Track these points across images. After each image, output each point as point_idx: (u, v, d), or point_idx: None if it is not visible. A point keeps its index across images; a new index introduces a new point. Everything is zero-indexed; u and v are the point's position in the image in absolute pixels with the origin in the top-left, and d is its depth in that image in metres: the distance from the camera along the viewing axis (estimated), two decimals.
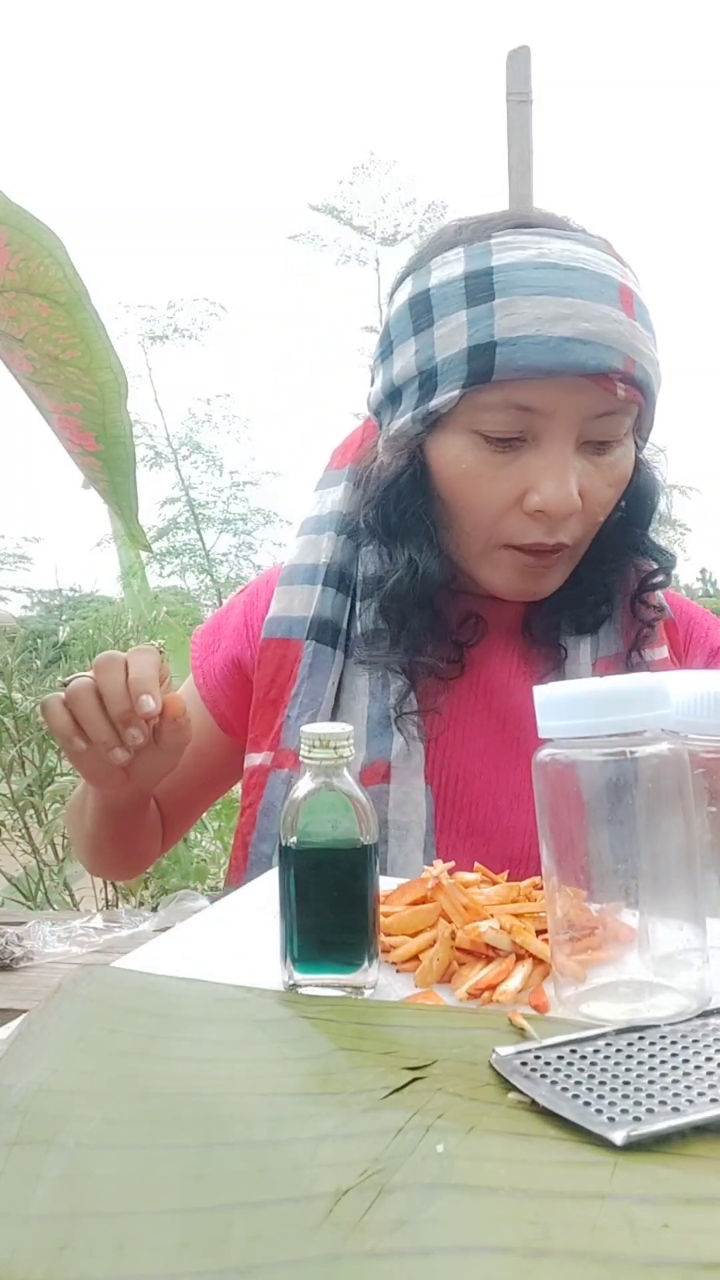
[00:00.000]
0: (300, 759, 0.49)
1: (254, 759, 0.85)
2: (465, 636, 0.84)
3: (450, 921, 0.54)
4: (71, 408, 0.60)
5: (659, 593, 0.88)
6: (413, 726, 0.81)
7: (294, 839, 0.49)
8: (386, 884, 0.55)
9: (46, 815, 2.59)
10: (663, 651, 0.86)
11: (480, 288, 0.73)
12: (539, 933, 0.52)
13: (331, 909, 0.49)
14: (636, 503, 0.84)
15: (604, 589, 0.85)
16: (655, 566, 0.86)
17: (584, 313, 0.72)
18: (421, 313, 0.77)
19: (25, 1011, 0.48)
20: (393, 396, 0.80)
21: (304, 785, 0.49)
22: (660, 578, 0.86)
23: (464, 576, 0.83)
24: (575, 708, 0.45)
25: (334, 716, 0.82)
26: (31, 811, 2.64)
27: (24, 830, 2.63)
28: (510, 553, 0.78)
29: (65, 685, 0.71)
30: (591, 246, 0.77)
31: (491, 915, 0.53)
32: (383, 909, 0.54)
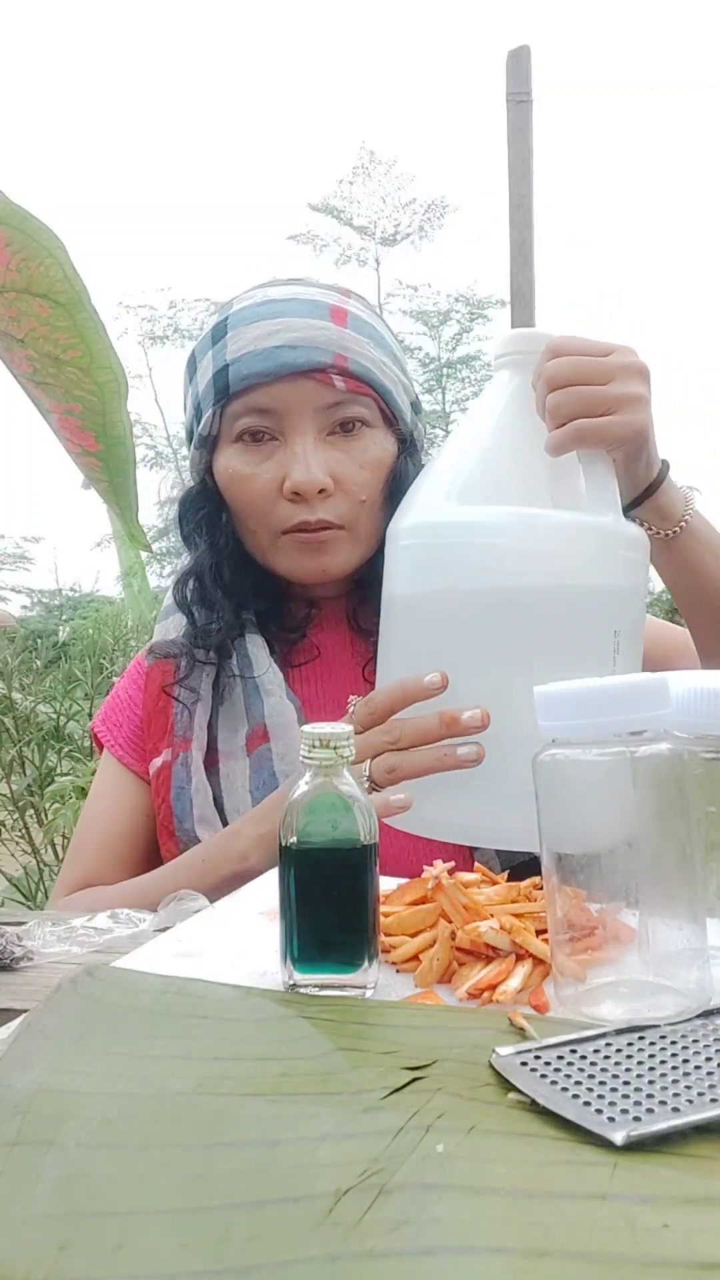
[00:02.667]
0: (300, 759, 0.50)
1: (155, 763, 0.95)
2: (300, 614, 0.99)
3: (450, 921, 0.54)
4: (71, 408, 0.60)
5: None
6: (278, 688, 0.92)
7: (294, 839, 0.49)
8: (386, 884, 0.55)
9: (46, 815, 2.59)
10: None
11: (218, 333, 0.92)
12: (539, 933, 0.52)
13: (331, 909, 0.49)
14: (397, 486, 0.92)
15: None
16: None
17: (291, 325, 0.88)
18: (190, 368, 0.97)
19: (25, 1011, 0.48)
20: (189, 440, 0.98)
21: (304, 785, 0.49)
22: None
23: (277, 579, 0.96)
24: (575, 707, 0.46)
25: (215, 707, 0.94)
26: (31, 811, 2.64)
27: (24, 830, 2.63)
28: (288, 537, 0.91)
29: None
30: (316, 287, 0.94)
31: (491, 915, 0.53)
32: (383, 909, 0.54)
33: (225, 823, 0.90)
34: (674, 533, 0.80)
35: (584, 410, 0.72)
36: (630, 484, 0.77)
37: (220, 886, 0.76)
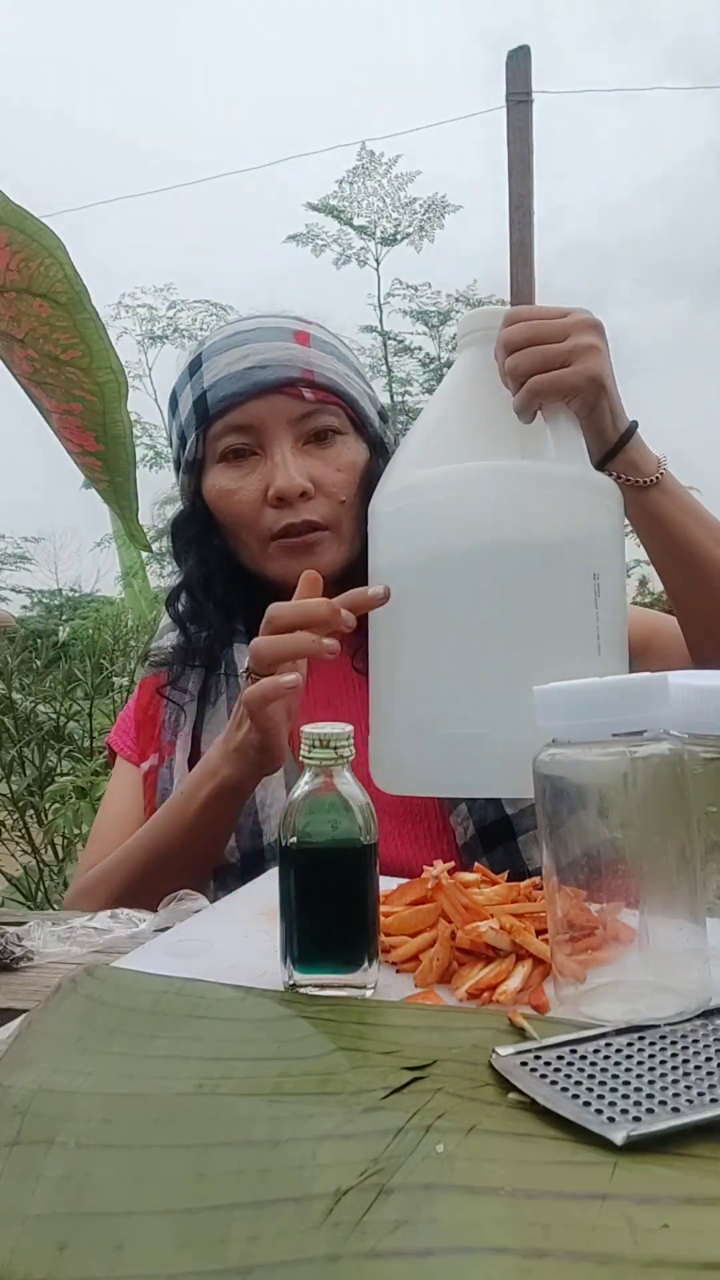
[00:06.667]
0: (300, 759, 0.50)
1: (143, 767, 1.00)
2: None
3: (450, 921, 0.54)
4: (71, 408, 0.60)
5: None
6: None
7: (294, 839, 0.49)
8: (386, 884, 0.55)
9: (46, 815, 2.59)
10: None
11: (194, 367, 1.00)
12: (539, 933, 0.52)
13: (331, 909, 0.49)
14: (369, 488, 0.94)
15: None
16: None
17: (259, 349, 0.96)
18: (172, 404, 1.04)
19: (25, 1011, 0.48)
20: (177, 467, 1.04)
21: (304, 785, 0.49)
22: None
23: (267, 589, 0.99)
24: (575, 707, 0.45)
25: (199, 715, 0.99)
26: (31, 811, 2.64)
27: (24, 830, 2.63)
28: (277, 544, 0.96)
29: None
30: (279, 316, 1.01)
31: (491, 915, 0.53)
32: (383, 909, 0.54)
33: None
34: (648, 482, 0.82)
35: (540, 367, 0.74)
36: (597, 438, 0.80)
37: (204, 811, 0.82)
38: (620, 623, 0.73)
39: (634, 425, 0.82)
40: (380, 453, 1.01)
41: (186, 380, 1.00)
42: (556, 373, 0.74)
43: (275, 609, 0.78)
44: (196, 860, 0.87)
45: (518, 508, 0.69)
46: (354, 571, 0.97)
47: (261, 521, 0.95)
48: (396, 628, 0.73)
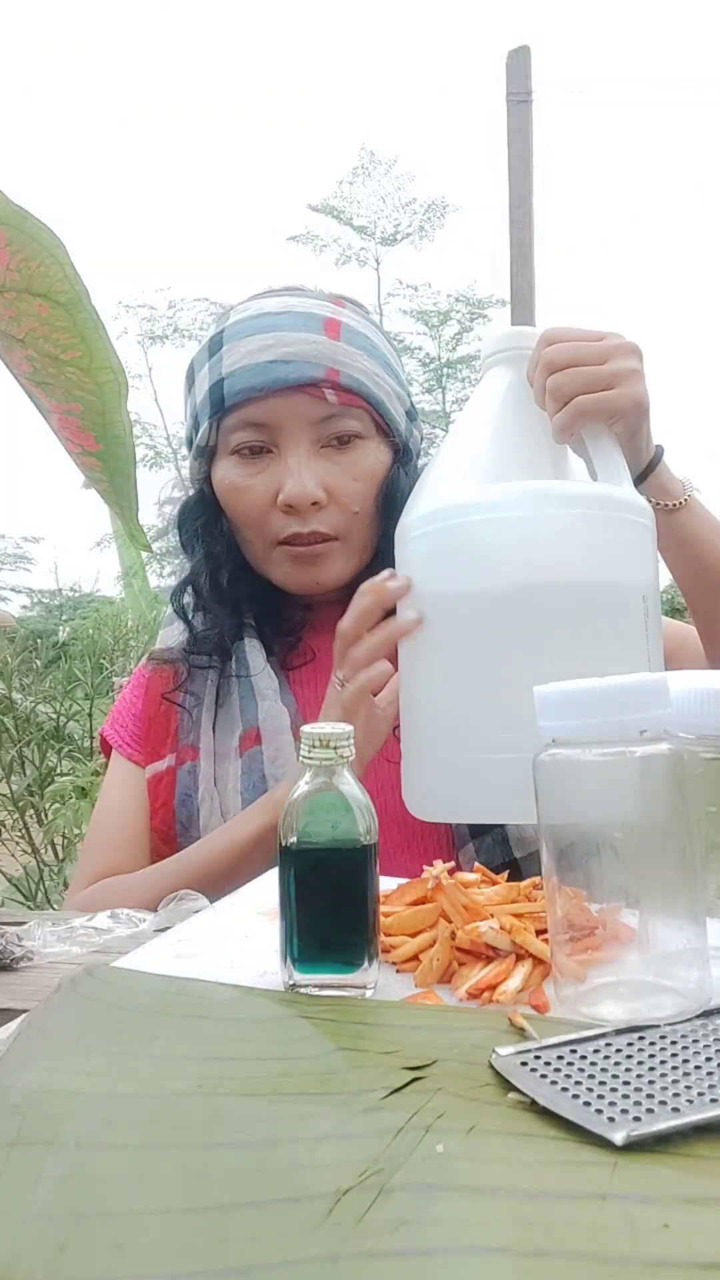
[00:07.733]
0: (300, 759, 0.50)
1: (157, 767, 0.96)
2: (296, 618, 1.00)
3: (450, 921, 0.54)
4: (71, 408, 0.60)
5: None
6: (272, 691, 0.94)
7: (294, 839, 0.49)
8: (386, 884, 0.55)
9: (46, 815, 2.59)
10: None
11: (215, 345, 0.94)
12: (539, 933, 0.52)
13: (331, 909, 0.49)
14: (390, 495, 0.94)
15: None
16: None
17: (284, 340, 0.89)
18: (188, 379, 0.98)
19: (25, 1011, 0.48)
20: (189, 445, 1.00)
21: (304, 785, 0.49)
22: None
23: (273, 584, 0.97)
24: (575, 707, 0.45)
25: (216, 711, 0.96)
26: (31, 811, 2.64)
27: (24, 830, 2.63)
28: (281, 549, 0.93)
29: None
30: (311, 298, 0.95)
31: (491, 915, 0.53)
32: (383, 909, 0.54)
33: None
34: (678, 505, 0.82)
35: (584, 388, 0.73)
36: (633, 460, 0.79)
37: (268, 857, 0.78)
38: (660, 642, 0.72)
39: (661, 450, 0.81)
40: (404, 458, 0.96)
41: (205, 359, 0.95)
42: (602, 394, 0.73)
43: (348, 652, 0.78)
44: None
45: (571, 531, 0.67)
46: (364, 577, 0.94)
47: (269, 525, 0.92)
48: (434, 652, 0.71)
